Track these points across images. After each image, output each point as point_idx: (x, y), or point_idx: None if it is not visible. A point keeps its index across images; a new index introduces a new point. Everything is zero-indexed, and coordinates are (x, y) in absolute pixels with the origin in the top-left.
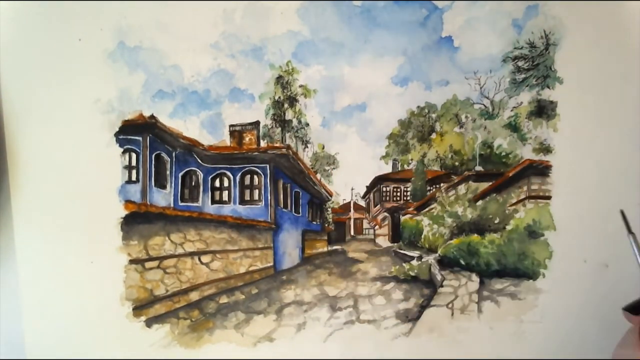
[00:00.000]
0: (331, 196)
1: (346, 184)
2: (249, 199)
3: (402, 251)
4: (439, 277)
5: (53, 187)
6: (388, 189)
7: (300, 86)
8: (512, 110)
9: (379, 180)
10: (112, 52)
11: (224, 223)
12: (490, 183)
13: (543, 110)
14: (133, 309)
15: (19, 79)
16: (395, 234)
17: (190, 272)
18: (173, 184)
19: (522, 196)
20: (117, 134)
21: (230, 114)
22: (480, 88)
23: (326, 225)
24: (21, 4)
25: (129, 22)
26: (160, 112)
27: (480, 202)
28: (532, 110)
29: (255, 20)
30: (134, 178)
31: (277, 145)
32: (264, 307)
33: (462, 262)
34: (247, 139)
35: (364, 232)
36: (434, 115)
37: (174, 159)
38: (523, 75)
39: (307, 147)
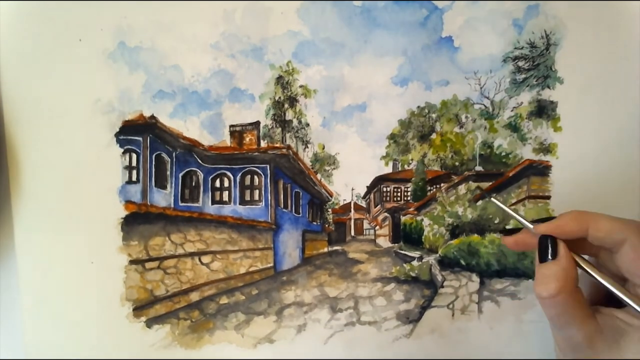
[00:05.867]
0: (331, 196)
1: (346, 184)
2: (249, 199)
3: (402, 252)
4: (439, 278)
5: (53, 187)
6: (388, 189)
7: (301, 86)
8: (512, 111)
9: (379, 180)
10: (112, 52)
11: (224, 223)
12: (491, 183)
13: (543, 111)
14: (133, 310)
15: (19, 79)
16: (396, 235)
17: (190, 272)
18: (173, 184)
19: (522, 196)
20: (117, 134)
21: (231, 114)
22: (481, 88)
23: (326, 225)
24: (21, 4)
25: (129, 22)
26: (160, 112)
27: (480, 202)
28: (533, 110)
29: (255, 20)
30: (134, 178)
31: (278, 145)
32: (264, 308)
33: (463, 263)
34: (247, 139)
35: (364, 233)
36: (434, 115)
37: (174, 159)
38: (523, 76)
39: (308, 147)
